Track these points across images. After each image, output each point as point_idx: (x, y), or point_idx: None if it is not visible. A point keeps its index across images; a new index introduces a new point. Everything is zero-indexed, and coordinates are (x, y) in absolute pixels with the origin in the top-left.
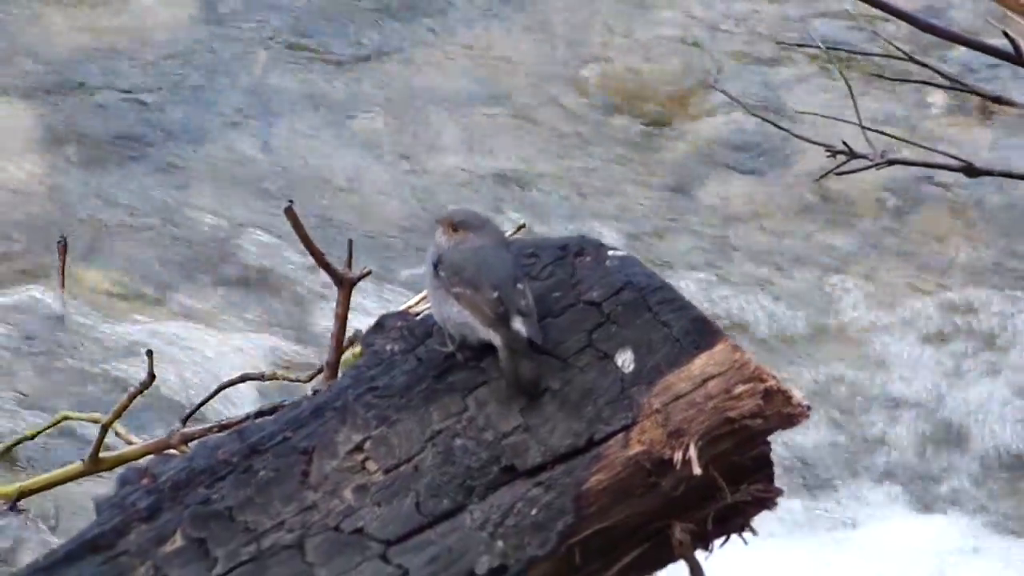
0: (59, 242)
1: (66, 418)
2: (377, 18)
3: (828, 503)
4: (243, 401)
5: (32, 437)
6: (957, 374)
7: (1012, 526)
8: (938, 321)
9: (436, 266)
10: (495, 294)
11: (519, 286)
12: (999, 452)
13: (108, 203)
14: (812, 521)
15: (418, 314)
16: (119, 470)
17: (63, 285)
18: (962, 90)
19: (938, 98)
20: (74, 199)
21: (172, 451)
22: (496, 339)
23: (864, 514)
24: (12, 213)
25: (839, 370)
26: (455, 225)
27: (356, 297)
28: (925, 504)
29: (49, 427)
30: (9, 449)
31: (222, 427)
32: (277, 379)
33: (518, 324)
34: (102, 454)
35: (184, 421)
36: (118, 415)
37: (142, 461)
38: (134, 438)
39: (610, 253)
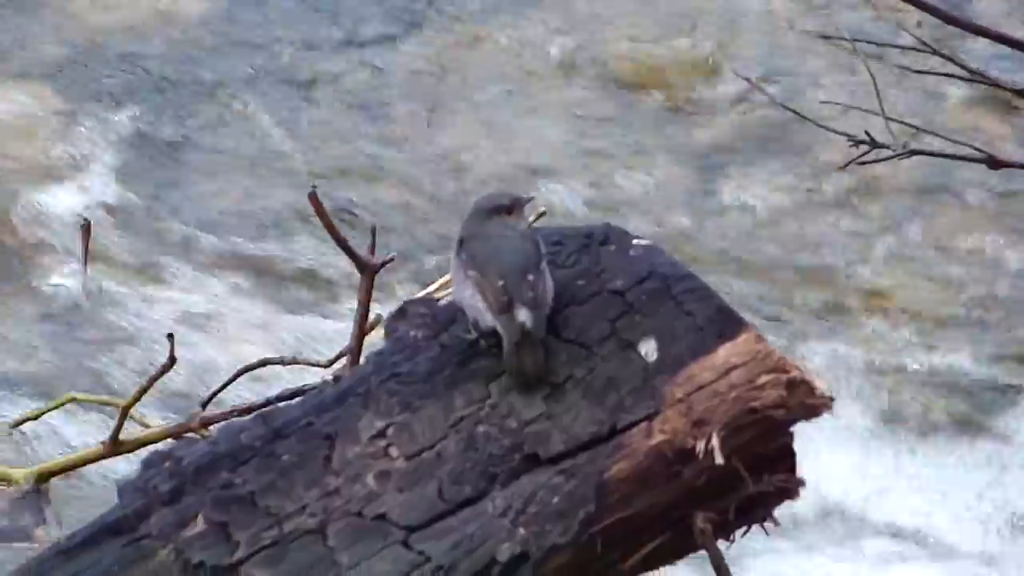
0: (82, 225)
1: (73, 399)
2: (399, 3)
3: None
4: (263, 386)
5: (37, 416)
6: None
7: None
8: (960, 309)
9: (460, 247)
10: (500, 282)
11: (529, 276)
12: None
13: (130, 187)
14: None
15: (440, 300)
16: (140, 453)
17: (86, 268)
18: (984, 83)
19: (961, 90)
20: (96, 183)
21: (192, 435)
22: (499, 328)
23: None
24: (35, 195)
25: (862, 355)
26: (481, 208)
27: (379, 282)
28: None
29: (55, 407)
30: (15, 427)
31: (242, 411)
32: (298, 364)
33: (522, 315)
34: (122, 436)
35: (204, 405)
36: (138, 398)
37: (163, 444)
38: (154, 422)
39: (634, 242)
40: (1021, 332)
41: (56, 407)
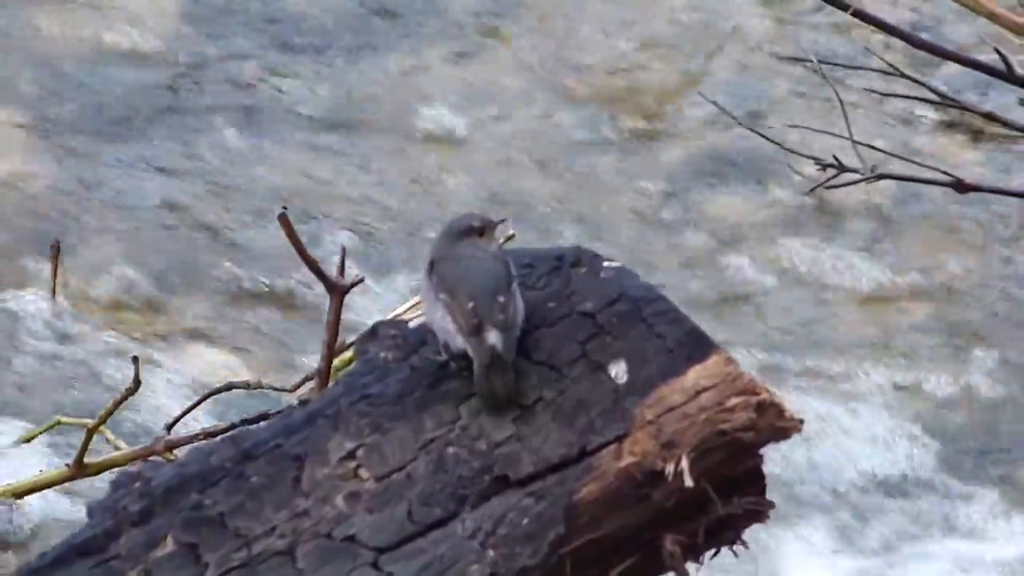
0: (52, 245)
1: (60, 423)
2: (364, 23)
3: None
4: (229, 410)
5: (28, 440)
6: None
7: None
8: (928, 338)
9: (430, 269)
10: (470, 304)
11: (500, 298)
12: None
13: (101, 206)
14: None
15: (410, 321)
16: (105, 476)
17: (55, 289)
18: (953, 106)
19: (929, 115)
20: (67, 202)
21: (157, 458)
22: (469, 350)
23: None
24: (4, 214)
25: (828, 384)
26: (451, 230)
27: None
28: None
29: (43, 431)
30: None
31: (207, 435)
32: (263, 388)
33: (492, 337)
34: (88, 459)
35: (169, 428)
36: (103, 420)
37: (133, 465)
38: (123, 444)
39: (605, 264)
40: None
41: (45, 430)
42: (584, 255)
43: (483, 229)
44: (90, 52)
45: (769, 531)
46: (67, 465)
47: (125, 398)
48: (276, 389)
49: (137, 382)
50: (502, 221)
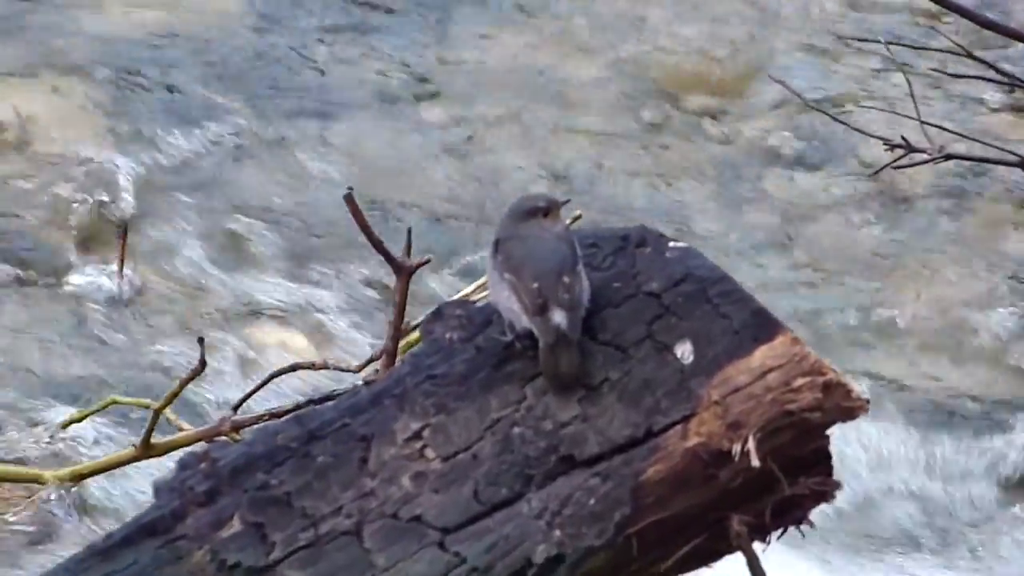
0: (119, 228)
1: (115, 402)
2: (433, 10)
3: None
4: (294, 390)
5: (81, 419)
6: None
7: None
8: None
9: (495, 249)
10: (535, 284)
11: (565, 278)
12: None
13: (163, 188)
14: None
15: (476, 302)
16: (172, 456)
17: (122, 271)
18: (1020, 86)
19: (996, 95)
20: (130, 182)
21: (223, 438)
22: (534, 330)
23: None
24: (70, 195)
25: (896, 366)
26: (517, 210)
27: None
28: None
29: (97, 410)
30: (60, 430)
31: (272, 415)
32: (328, 368)
33: (557, 317)
34: (154, 440)
35: (235, 408)
36: (169, 401)
37: (199, 446)
38: (186, 425)
39: (671, 244)
40: None
41: (99, 410)
42: (649, 235)
43: (548, 209)
44: (161, 32)
45: None
46: (133, 446)
47: (191, 379)
48: (342, 369)
49: (203, 363)
50: (567, 201)
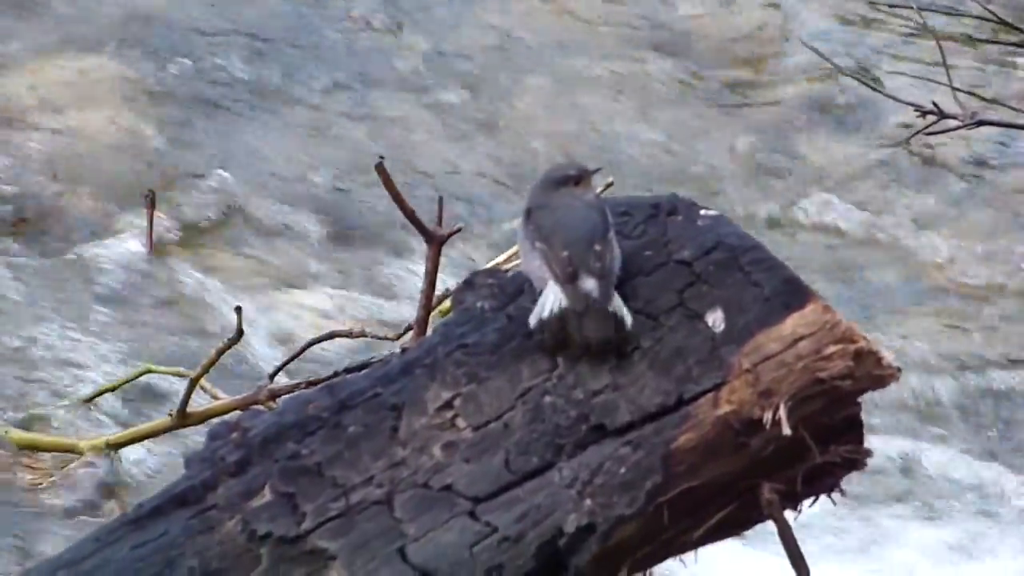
0: (147, 196)
1: (149, 371)
2: None
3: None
4: (331, 358)
5: (114, 388)
6: None
7: None
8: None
9: (527, 218)
10: (565, 253)
11: (596, 247)
12: None
13: (195, 158)
14: None
15: (508, 271)
16: (207, 425)
17: (151, 239)
18: None
19: None
20: (161, 153)
21: (259, 407)
22: (564, 298)
23: None
24: (99, 165)
25: (928, 329)
26: (548, 179)
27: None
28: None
29: (131, 379)
30: (92, 399)
31: (309, 383)
32: (366, 336)
33: (588, 284)
34: (190, 408)
35: (272, 377)
36: (206, 370)
37: (230, 416)
38: (221, 394)
39: (702, 212)
40: None
41: (133, 379)
42: (681, 203)
43: (579, 178)
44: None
45: None
46: (169, 414)
47: (228, 347)
48: (379, 338)
49: (240, 332)
50: (598, 170)
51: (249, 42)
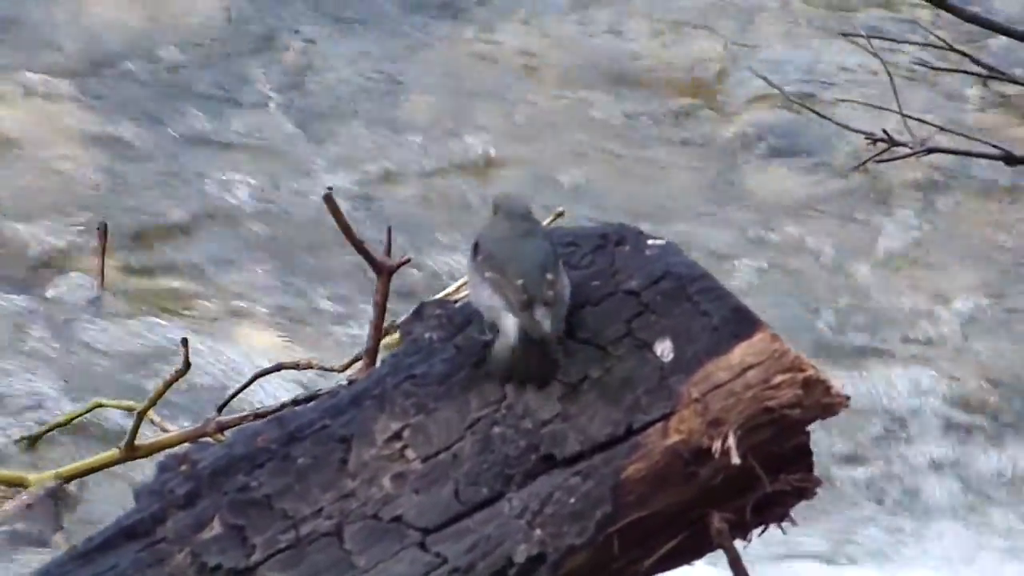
0: (99, 228)
1: (99, 405)
2: (414, 8)
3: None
4: (278, 391)
5: (66, 423)
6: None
7: None
8: (982, 309)
9: (475, 249)
10: (519, 282)
11: (548, 276)
12: None
13: (145, 191)
14: None
15: (456, 302)
16: (155, 457)
17: (103, 272)
18: (1002, 79)
19: (978, 88)
20: (113, 184)
21: (208, 439)
22: (517, 327)
23: None
24: (51, 197)
25: (883, 359)
26: (495, 210)
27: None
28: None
29: (82, 413)
30: (42, 435)
31: (257, 415)
32: (312, 368)
33: (540, 314)
34: (138, 442)
35: (220, 409)
36: (153, 403)
37: (179, 448)
38: (169, 426)
39: (650, 242)
40: None
41: (83, 413)
42: (628, 233)
43: (527, 209)
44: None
45: None
46: (117, 448)
47: (175, 380)
48: (326, 369)
49: (187, 364)
50: (561, 211)
51: (197, 61)
